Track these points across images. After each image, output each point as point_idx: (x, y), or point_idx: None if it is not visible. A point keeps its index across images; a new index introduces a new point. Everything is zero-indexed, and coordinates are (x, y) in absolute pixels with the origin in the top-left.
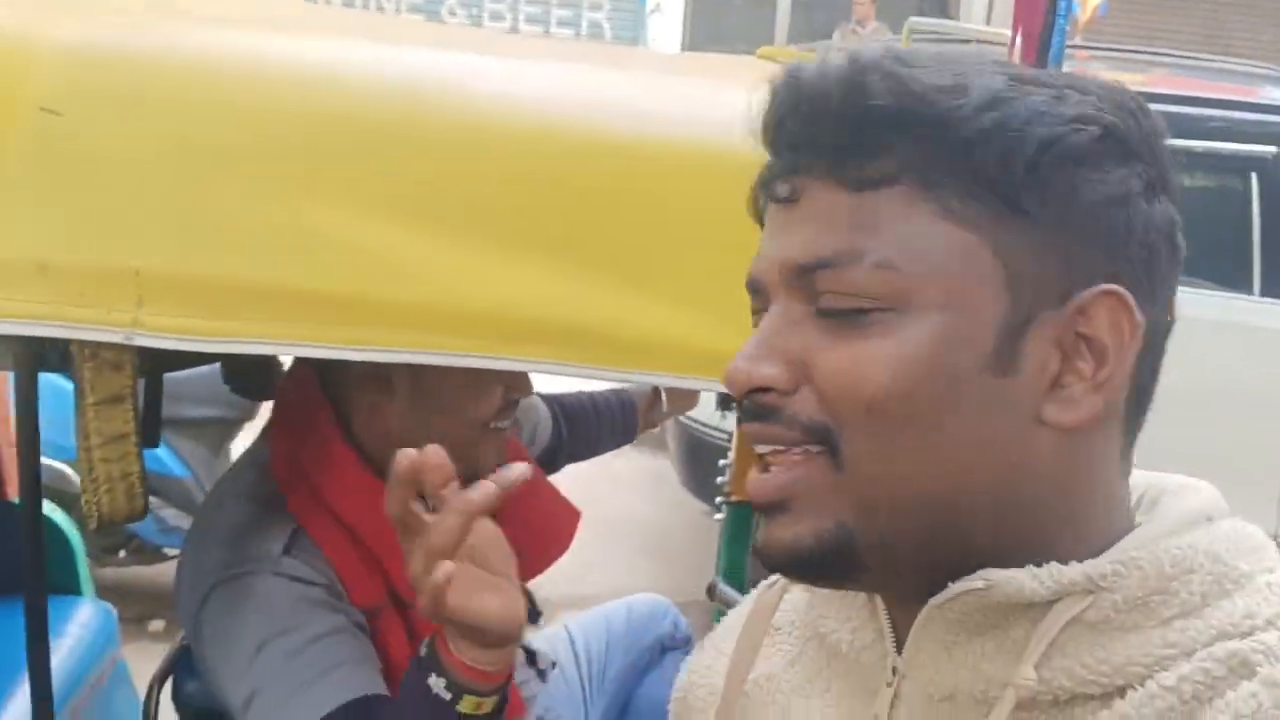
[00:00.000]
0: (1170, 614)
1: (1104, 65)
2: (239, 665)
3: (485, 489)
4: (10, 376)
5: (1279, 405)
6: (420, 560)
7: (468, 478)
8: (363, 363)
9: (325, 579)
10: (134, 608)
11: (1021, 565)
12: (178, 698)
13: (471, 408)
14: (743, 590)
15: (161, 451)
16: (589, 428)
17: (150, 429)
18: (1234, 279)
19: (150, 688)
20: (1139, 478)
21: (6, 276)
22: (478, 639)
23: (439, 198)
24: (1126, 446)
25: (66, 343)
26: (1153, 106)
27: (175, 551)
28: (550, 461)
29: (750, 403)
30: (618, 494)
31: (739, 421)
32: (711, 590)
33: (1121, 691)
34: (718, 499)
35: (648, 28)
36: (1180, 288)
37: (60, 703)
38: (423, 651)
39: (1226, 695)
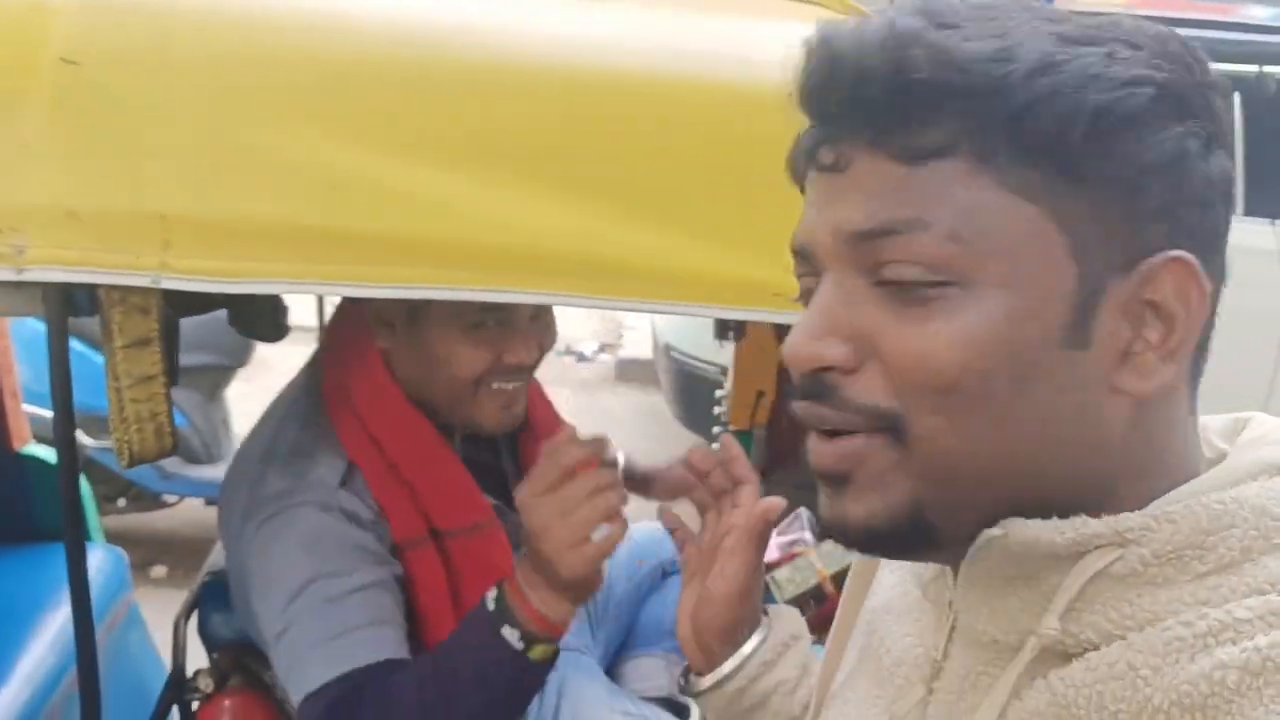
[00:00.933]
0: (1205, 569)
1: None
2: (279, 597)
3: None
4: (11, 325)
5: (1261, 324)
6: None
7: (467, 430)
8: (379, 307)
9: (373, 514)
10: (135, 554)
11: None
12: (203, 631)
13: (458, 365)
14: None
15: None
16: None
17: (170, 370)
18: None
19: (176, 622)
20: (1225, 423)
21: (37, 224)
22: (572, 593)
23: (455, 137)
24: (1192, 401)
25: (95, 287)
26: None
27: (174, 499)
28: None
29: (808, 381)
30: (611, 430)
31: (792, 396)
32: None
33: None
34: (714, 429)
35: None
36: None
37: None
38: (491, 606)
39: (1241, 641)
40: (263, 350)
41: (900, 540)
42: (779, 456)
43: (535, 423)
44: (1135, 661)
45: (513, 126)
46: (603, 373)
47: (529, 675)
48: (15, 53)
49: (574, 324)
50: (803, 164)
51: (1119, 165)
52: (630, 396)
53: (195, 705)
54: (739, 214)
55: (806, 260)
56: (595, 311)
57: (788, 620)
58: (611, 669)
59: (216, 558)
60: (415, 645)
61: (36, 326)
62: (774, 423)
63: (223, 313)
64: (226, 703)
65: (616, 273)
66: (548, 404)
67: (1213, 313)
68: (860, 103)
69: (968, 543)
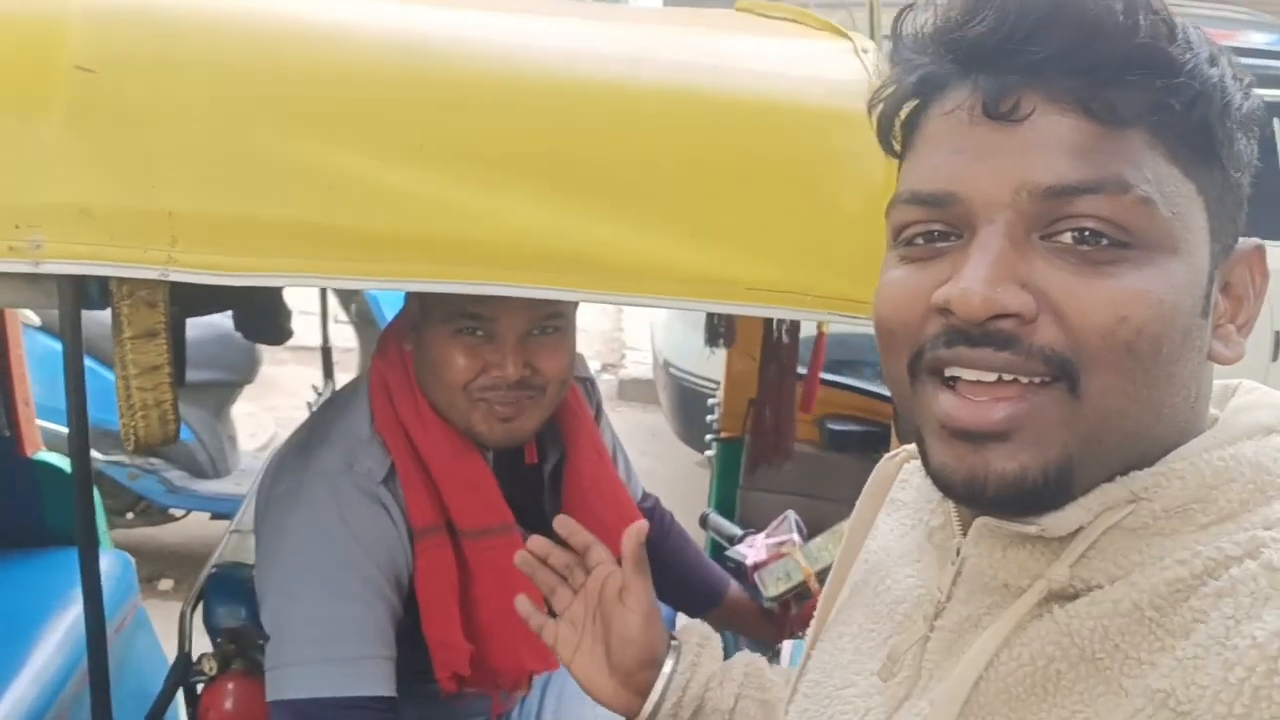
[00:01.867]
0: (1207, 520)
1: None
2: (301, 561)
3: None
4: (25, 334)
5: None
6: None
7: (465, 437)
8: (408, 310)
9: (403, 512)
10: (143, 568)
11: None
12: (208, 620)
13: (448, 370)
14: (732, 519)
15: None
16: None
17: (176, 371)
18: None
19: (183, 612)
20: (1216, 389)
21: (52, 221)
22: None
23: (448, 140)
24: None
25: (106, 281)
26: None
27: (181, 513)
28: None
29: (981, 331)
30: None
31: (948, 345)
32: (704, 520)
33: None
34: (707, 436)
35: None
36: None
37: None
38: None
39: (1231, 570)
40: (268, 369)
41: (1039, 496)
42: (761, 459)
43: (579, 464)
44: (1140, 601)
45: (504, 130)
46: (605, 392)
47: None
48: (33, 61)
49: (579, 345)
50: (955, 108)
51: (1239, 157)
52: (632, 415)
53: (199, 687)
54: (717, 213)
55: (947, 208)
56: (599, 334)
57: (692, 629)
58: None
59: (223, 551)
60: (414, 639)
61: (47, 343)
62: (756, 428)
63: (229, 330)
64: (229, 685)
65: (599, 269)
66: (595, 446)
67: None
68: (1071, 53)
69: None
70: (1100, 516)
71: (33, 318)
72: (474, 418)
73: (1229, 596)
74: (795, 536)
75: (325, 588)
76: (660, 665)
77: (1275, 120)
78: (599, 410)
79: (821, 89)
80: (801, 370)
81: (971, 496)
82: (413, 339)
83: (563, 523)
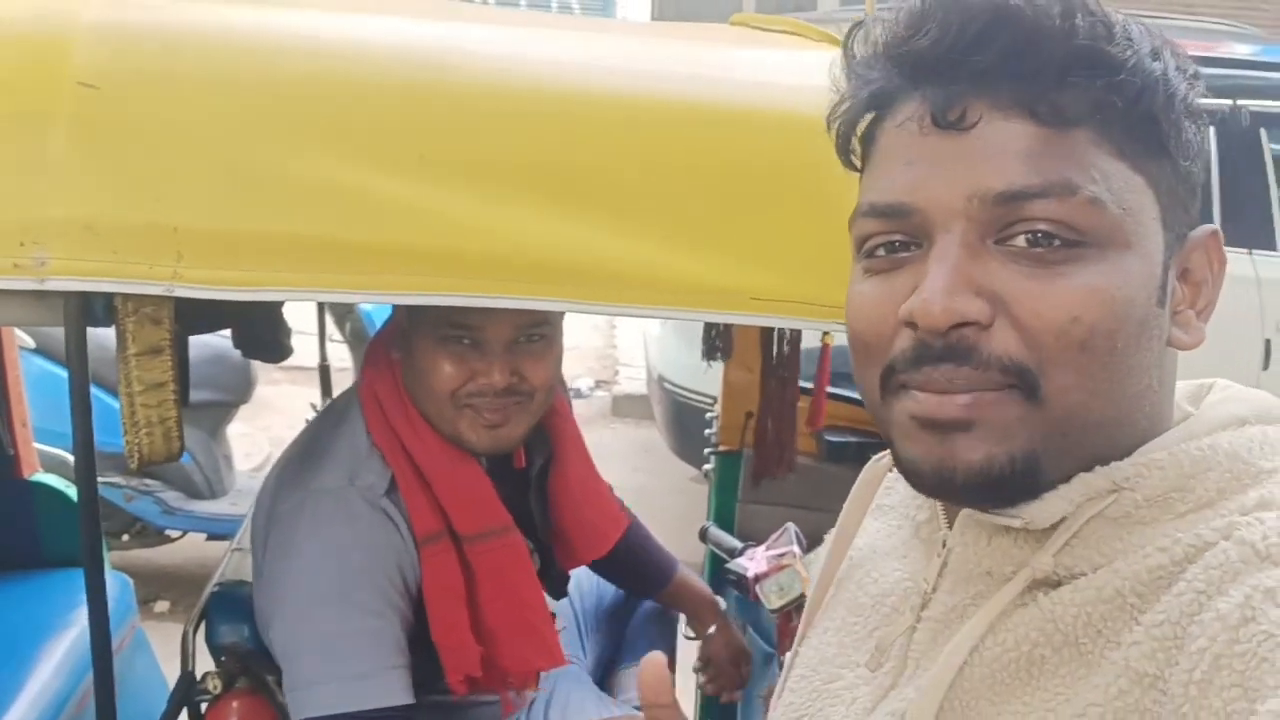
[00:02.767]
0: (1186, 508)
1: None
2: (310, 581)
3: None
4: (20, 356)
5: (1235, 349)
6: None
7: (453, 445)
8: (396, 319)
9: (407, 522)
10: (140, 589)
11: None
12: (211, 639)
13: (434, 378)
14: (732, 532)
15: None
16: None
17: (183, 388)
18: None
19: (185, 632)
20: (1190, 388)
21: (57, 237)
22: None
23: (451, 154)
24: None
25: (111, 298)
26: None
27: (178, 534)
28: None
29: (944, 342)
30: (607, 464)
31: (915, 367)
32: (703, 533)
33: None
34: (706, 450)
35: (616, 4)
36: None
37: (86, 668)
38: None
39: (1206, 555)
40: (263, 390)
41: (1007, 484)
42: (764, 472)
43: (565, 466)
44: (1122, 588)
45: (507, 143)
46: (600, 408)
47: None
48: (37, 77)
49: (571, 362)
50: (905, 120)
51: (1187, 146)
52: (625, 431)
53: (204, 706)
54: (718, 224)
55: (903, 219)
56: (592, 350)
57: None
58: (602, 680)
59: (224, 570)
60: (423, 644)
61: (43, 366)
62: (759, 440)
63: (225, 349)
64: (234, 704)
65: (599, 279)
66: (579, 449)
67: None
68: (1018, 58)
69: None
70: (1083, 506)
71: (28, 340)
72: (461, 425)
73: (1199, 568)
74: (795, 548)
75: (337, 604)
76: None
77: (1262, 130)
78: None
79: (821, 97)
80: (805, 384)
81: (941, 486)
82: (401, 347)
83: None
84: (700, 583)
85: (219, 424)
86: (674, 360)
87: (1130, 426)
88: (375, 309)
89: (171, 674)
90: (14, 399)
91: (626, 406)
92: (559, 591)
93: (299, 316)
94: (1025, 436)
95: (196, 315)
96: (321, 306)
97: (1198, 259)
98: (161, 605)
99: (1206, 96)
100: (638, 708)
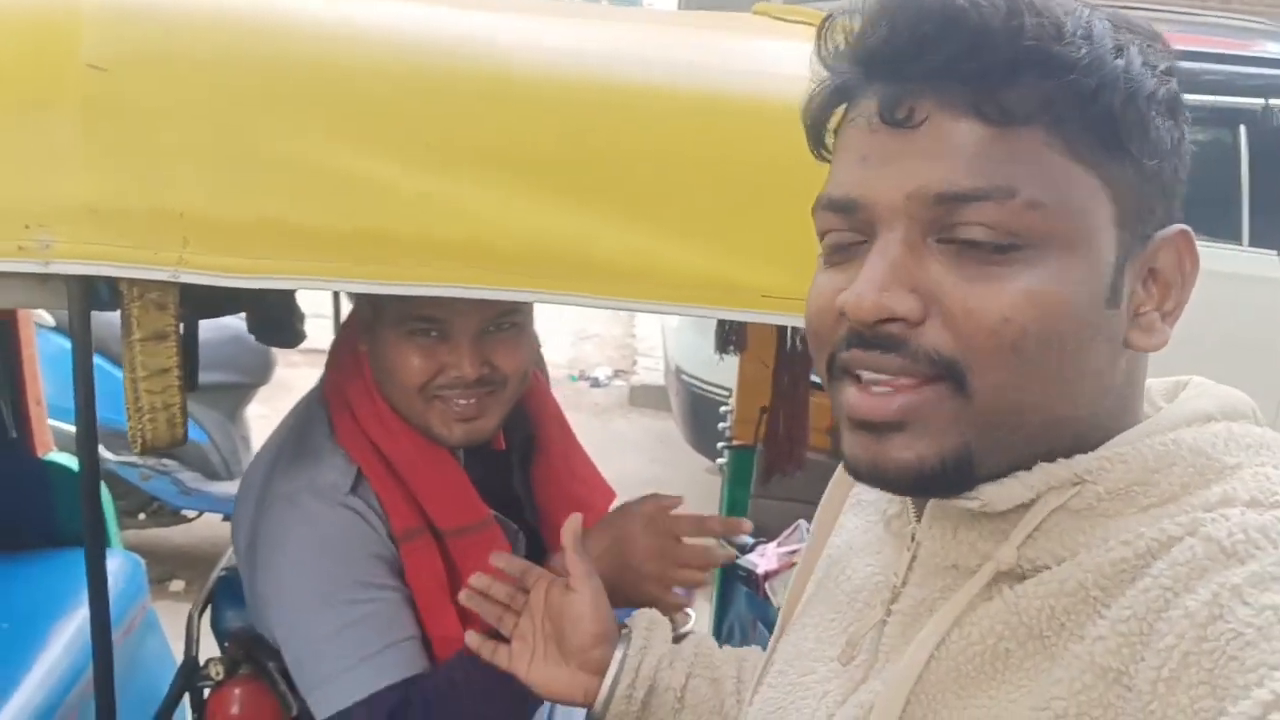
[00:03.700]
0: (1149, 502)
1: None
2: (299, 603)
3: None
4: (39, 334)
5: (1263, 350)
6: None
7: (426, 439)
8: (358, 310)
9: (380, 518)
10: (155, 569)
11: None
12: (216, 624)
13: (403, 371)
14: None
15: None
16: None
17: (189, 373)
18: (1223, 230)
19: (190, 616)
20: (1167, 385)
21: (62, 221)
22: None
23: (460, 142)
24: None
25: (116, 282)
26: None
27: (194, 514)
28: None
29: (872, 333)
30: (623, 454)
31: (848, 347)
32: None
33: None
34: (719, 444)
35: None
36: None
37: None
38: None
39: (1172, 551)
40: (282, 372)
41: (942, 482)
42: (775, 468)
43: (547, 443)
44: (1085, 580)
45: (515, 133)
46: (617, 398)
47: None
48: (45, 59)
49: (590, 350)
50: (858, 115)
51: (1154, 145)
52: (642, 421)
53: (206, 692)
54: (730, 219)
55: (852, 214)
56: (612, 339)
57: (642, 613)
58: None
59: (231, 555)
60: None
61: (60, 344)
62: (769, 436)
63: (242, 332)
64: (236, 690)
65: (611, 274)
66: (560, 424)
67: None
68: (964, 58)
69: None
70: (1045, 497)
71: (46, 318)
72: (431, 419)
73: (1165, 564)
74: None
75: (321, 608)
76: (613, 644)
77: None
78: None
79: None
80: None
81: (876, 482)
82: (367, 340)
83: (496, 557)
84: None
85: (237, 406)
86: (691, 351)
87: (1091, 424)
88: None
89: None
90: (28, 377)
91: (644, 397)
92: None
93: (317, 300)
94: (957, 433)
95: (207, 299)
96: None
97: (1166, 259)
98: (177, 584)
99: (1196, 91)
100: None
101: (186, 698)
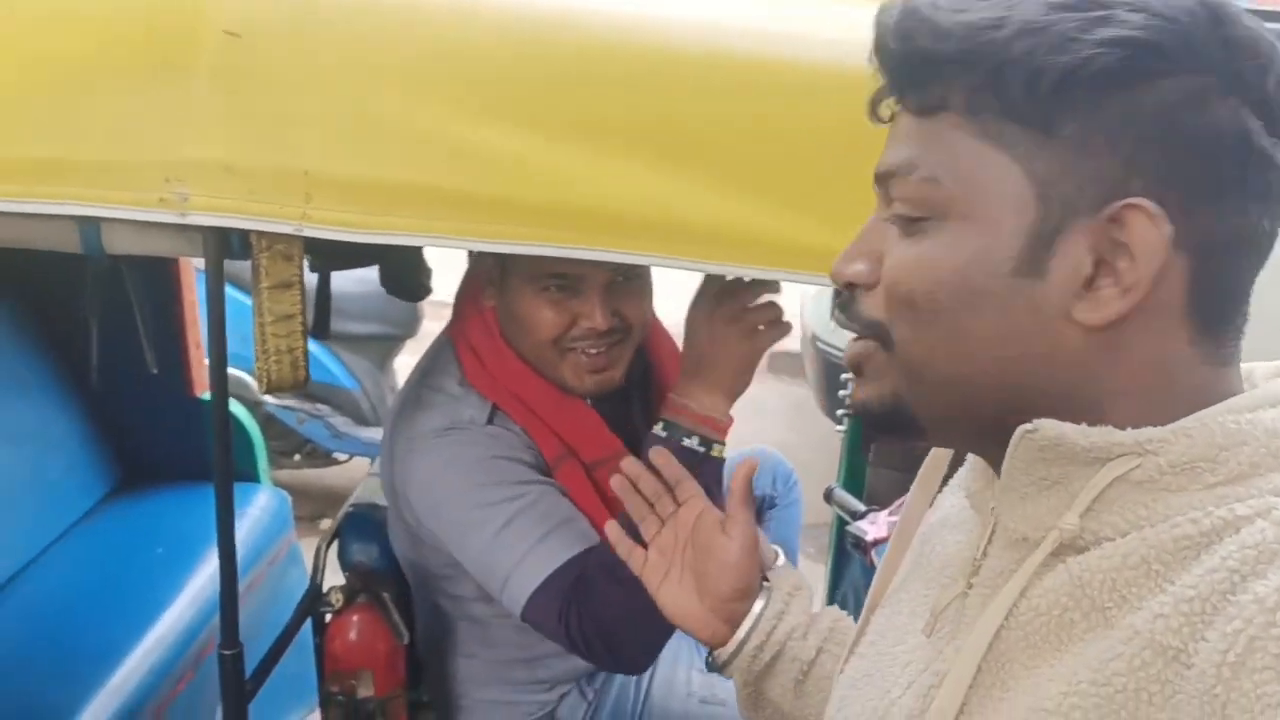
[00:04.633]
0: (1215, 480)
1: None
2: (469, 514)
3: None
4: (197, 281)
5: None
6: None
7: (558, 388)
8: (484, 268)
9: (523, 441)
10: (306, 507)
11: None
12: (342, 556)
13: (535, 326)
14: (860, 496)
15: (331, 364)
16: None
17: (321, 322)
18: None
19: (318, 549)
20: (1273, 366)
21: (199, 176)
22: (734, 390)
23: (563, 111)
24: (1203, 340)
25: (246, 233)
26: None
27: (345, 457)
28: None
29: (841, 295)
30: (761, 419)
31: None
32: (828, 494)
33: None
34: (838, 411)
35: None
36: None
37: (242, 573)
38: (662, 433)
39: (1241, 532)
40: (430, 324)
41: (889, 422)
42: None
43: (664, 378)
44: (1149, 555)
45: (616, 102)
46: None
47: (711, 472)
48: (182, 25)
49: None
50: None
51: (1086, 119)
52: (780, 388)
53: (328, 618)
54: (807, 183)
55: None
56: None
57: (787, 575)
58: None
59: (360, 492)
60: None
61: (237, 298)
62: None
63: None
64: (354, 617)
65: (698, 237)
66: (676, 359)
67: (1231, 264)
68: (889, 67)
69: (952, 438)
70: (1107, 466)
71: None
72: (564, 370)
73: (1234, 547)
74: None
75: (485, 510)
76: (752, 597)
77: None
78: None
79: None
80: None
81: (860, 418)
82: (493, 295)
83: (656, 453)
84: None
85: (387, 356)
86: (826, 319)
87: (1041, 391)
88: None
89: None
90: (189, 322)
91: (781, 364)
92: None
93: (455, 255)
94: (889, 381)
95: (337, 253)
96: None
97: (1132, 231)
98: (326, 523)
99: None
100: None
101: (310, 622)
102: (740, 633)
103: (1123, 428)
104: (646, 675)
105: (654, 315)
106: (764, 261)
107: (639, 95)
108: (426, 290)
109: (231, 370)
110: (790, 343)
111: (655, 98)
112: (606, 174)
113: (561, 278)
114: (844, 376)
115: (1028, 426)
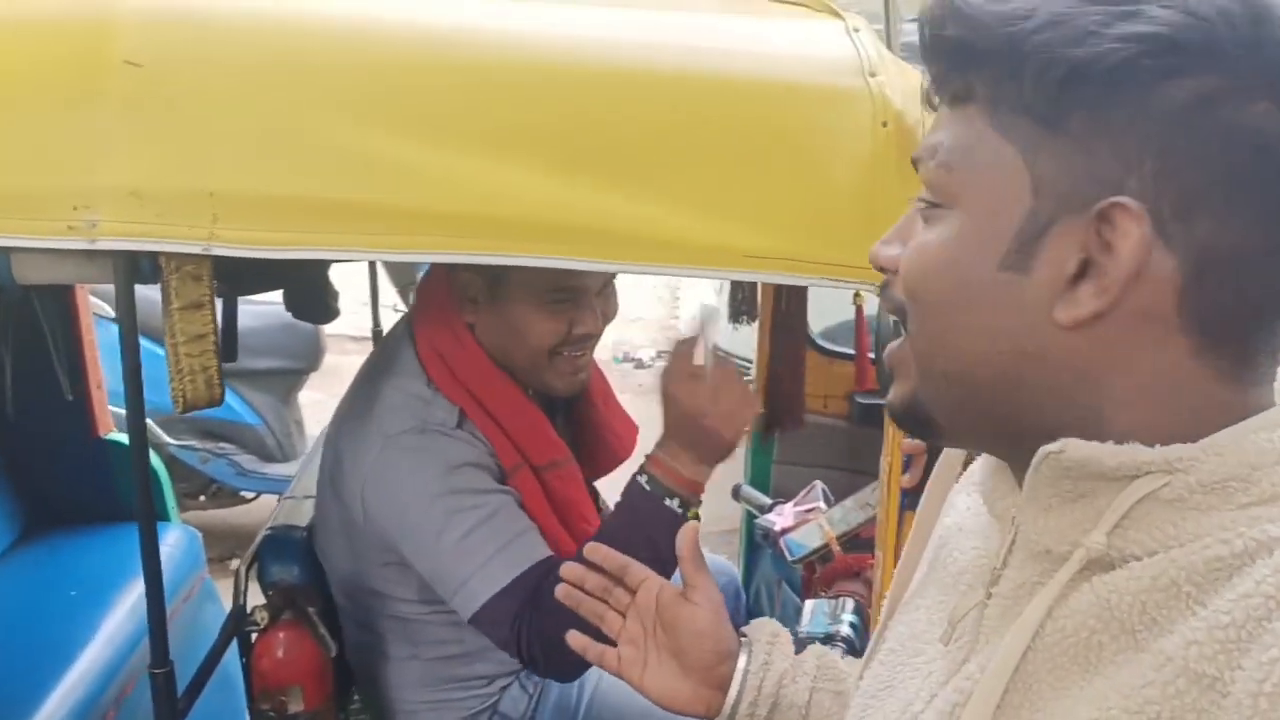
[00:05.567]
0: (1248, 500)
1: None
2: (435, 514)
3: None
4: (100, 324)
5: None
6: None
7: (541, 395)
8: (463, 285)
9: (486, 448)
10: (215, 548)
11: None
12: (261, 577)
13: (536, 336)
14: (766, 491)
15: (234, 401)
16: None
17: (229, 345)
18: None
19: (238, 571)
20: None
21: (107, 202)
22: (716, 458)
23: (467, 121)
24: (1211, 355)
25: (156, 256)
26: None
27: (252, 495)
28: None
29: (885, 278)
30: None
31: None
32: (736, 491)
33: None
34: None
35: None
36: None
37: None
38: (646, 487)
39: (1276, 554)
40: (332, 358)
41: (912, 421)
42: (775, 426)
43: (590, 390)
44: (1178, 578)
45: (521, 111)
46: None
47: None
48: (86, 57)
49: (635, 333)
50: None
51: (1093, 115)
52: None
53: (253, 637)
54: (718, 186)
55: None
56: (655, 321)
57: (763, 625)
58: None
59: (276, 516)
60: None
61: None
62: (768, 395)
63: (293, 319)
64: (280, 635)
65: (608, 239)
66: (600, 374)
67: (1247, 278)
68: (926, 57)
69: (966, 438)
70: (1135, 484)
71: (105, 309)
72: (550, 375)
73: (1271, 577)
74: (821, 504)
75: (451, 515)
76: (734, 658)
77: None
78: None
79: (814, 68)
80: (848, 350)
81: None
82: (479, 311)
83: (592, 550)
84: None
85: (290, 390)
86: (727, 328)
87: (1035, 390)
88: None
89: None
90: (89, 362)
91: None
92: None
93: (359, 284)
94: (911, 377)
95: (244, 276)
96: (374, 275)
97: (1118, 231)
98: (235, 563)
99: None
100: None
101: (236, 647)
102: (731, 694)
103: (1125, 440)
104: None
105: None
106: (668, 259)
107: (546, 104)
108: (334, 312)
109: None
110: (695, 356)
111: (560, 107)
112: (509, 181)
113: (565, 290)
114: (746, 379)
115: (1053, 448)
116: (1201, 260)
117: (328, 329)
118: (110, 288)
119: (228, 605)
